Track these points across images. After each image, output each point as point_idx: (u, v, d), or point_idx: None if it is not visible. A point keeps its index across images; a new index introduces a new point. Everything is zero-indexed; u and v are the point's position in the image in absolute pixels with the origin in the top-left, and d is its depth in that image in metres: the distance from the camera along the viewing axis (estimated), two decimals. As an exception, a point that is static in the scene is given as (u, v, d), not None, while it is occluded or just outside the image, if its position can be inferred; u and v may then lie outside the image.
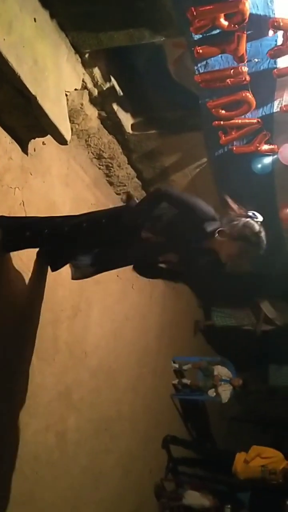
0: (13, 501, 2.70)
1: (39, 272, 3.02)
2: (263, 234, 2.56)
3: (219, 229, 2.55)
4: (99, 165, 4.29)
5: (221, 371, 5.71)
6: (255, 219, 2.58)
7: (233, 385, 5.59)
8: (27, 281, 2.96)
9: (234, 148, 4.13)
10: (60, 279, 3.47)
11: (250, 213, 2.60)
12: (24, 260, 2.92)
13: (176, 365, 5.94)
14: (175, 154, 4.58)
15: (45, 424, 3.08)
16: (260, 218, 2.59)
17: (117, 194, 4.73)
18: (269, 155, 4.26)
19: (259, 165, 4.41)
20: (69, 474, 3.33)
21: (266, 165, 4.41)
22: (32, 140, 3.20)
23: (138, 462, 4.58)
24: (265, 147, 4.08)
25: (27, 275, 2.95)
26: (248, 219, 2.56)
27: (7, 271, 2.80)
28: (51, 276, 3.35)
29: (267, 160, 4.39)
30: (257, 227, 2.55)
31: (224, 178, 4.51)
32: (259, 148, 4.09)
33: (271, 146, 4.09)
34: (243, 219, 2.57)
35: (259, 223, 2.57)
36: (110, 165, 4.32)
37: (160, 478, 5.14)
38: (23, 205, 3.08)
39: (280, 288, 5.76)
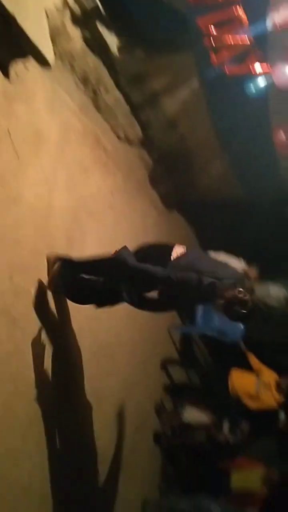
0: (19, 424, 2.84)
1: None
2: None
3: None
4: (86, 89, 4.13)
5: None
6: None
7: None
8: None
9: (227, 69, 3.97)
10: (52, 210, 3.45)
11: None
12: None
13: None
14: (165, 76, 4.41)
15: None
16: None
17: (105, 120, 4.58)
18: (263, 76, 4.11)
19: (252, 88, 4.27)
20: (71, 396, 3.47)
21: (260, 87, 4.26)
22: (14, 64, 3.06)
23: (138, 384, 4.77)
24: (258, 68, 3.92)
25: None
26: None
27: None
28: (45, 204, 3.33)
29: (261, 82, 4.24)
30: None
31: (217, 101, 4.38)
32: (252, 69, 3.94)
33: (265, 67, 3.94)
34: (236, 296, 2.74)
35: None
36: (97, 89, 4.16)
37: (160, 398, 5.39)
38: (9, 133, 2.99)
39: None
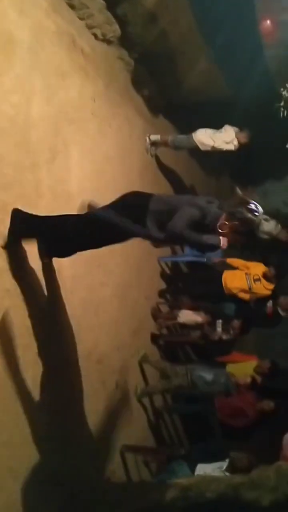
0: (19, 334, 2.97)
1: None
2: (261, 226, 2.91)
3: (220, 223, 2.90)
4: (56, -16, 3.79)
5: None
6: (255, 213, 2.88)
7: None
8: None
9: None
10: (32, 122, 3.33)
11: (252, 205, 2.88)
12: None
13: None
14: None
15: (38, 264, 3.23)
16: (260, 210, 2.90)
17: (80, 19, 4.26)
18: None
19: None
20: (69, 306, 3.60)
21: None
22: None
23: (133, 291, 4.93)
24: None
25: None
26: (248, 215, 2.87)
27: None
28: (24, 115, 3.20)
29: None
30: (256, 222, 2.99)
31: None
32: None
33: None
34: (244, 213, 2.87)
35: (258, 216, 2.93)
36: (69, -17, 3.83)
37: (156, 302, 5.60)
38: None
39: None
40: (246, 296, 5.46)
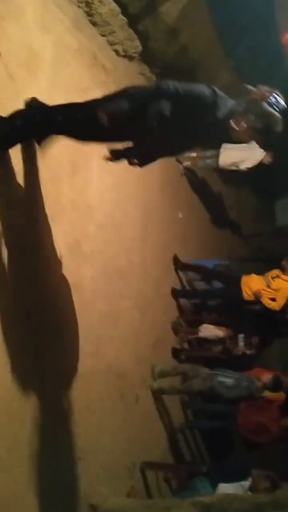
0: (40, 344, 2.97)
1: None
2: (279, 120, 2.43)
3: (234, 116, 2.47)
4: (78, 2, 3.87)
5: None
6: (276, 107, 2.43)
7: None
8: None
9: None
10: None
11: (272, 97, 2.44)
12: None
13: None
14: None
15: (58, 276, 3.24)
16: (282, 103, 2.44)
17: (102, 35, 4.33)
18: None
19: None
20: (89, 317, 3.59)
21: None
22: (-2, -22, 2.85)
23: (152, 304, 4.89)
24: None
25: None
26: (266, 108, 2.43)
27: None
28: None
29: None
30: (276, 117, 2.43)
31: (219, 2, 4.08)
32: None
33: None
34: (264, 104, 2.43)
35: (279, 110, 2.43)
36: (90, 1, 3.90)
37: (176, 316, 5.55)
38: (0, 55, 2.86)
39: None
40: (268, 296, 5.23)
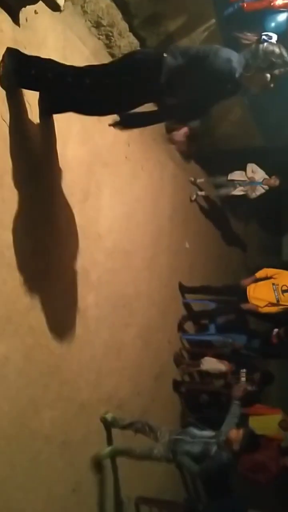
0: (40, 374, 2.93)
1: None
2: (284, 51, 2.52)
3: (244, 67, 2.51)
4: (98, 34, 3.96)
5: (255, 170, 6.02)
6: (270, 41, 2.52)
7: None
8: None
9: (245, 5, 3.74)
10: (66, 164, 3.39)
11: (263, 36, 2.53)
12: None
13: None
14: (180, 16, 4.19)
15: (64, 303, 3.23)
16: (274, 37, 2.54)
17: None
18: (284, 11, 3.87)
19: (273, 24, 4.03)
20: (92, 347, 3.56)
21: (281, 22, 4.02)
22: (23, 9, 2.92)
23: (157, 334, 4.86)
24: (279, 1, 3.69)
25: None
26: (264, 44, 2.50)
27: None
28: (59, 160, 3.28)
29: (282, 17, 3.99)
30: (276, 48, 2.50)
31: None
32: (272, 4, 3.71)
33: (286, 0, 3.70)
34: (260, 45, 2.51)
35: (275, 43, 2.52)
36: (110, 33, 3.99)
37: (179, 348, 5.50)
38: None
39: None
40: (273, 310, 5.09)
